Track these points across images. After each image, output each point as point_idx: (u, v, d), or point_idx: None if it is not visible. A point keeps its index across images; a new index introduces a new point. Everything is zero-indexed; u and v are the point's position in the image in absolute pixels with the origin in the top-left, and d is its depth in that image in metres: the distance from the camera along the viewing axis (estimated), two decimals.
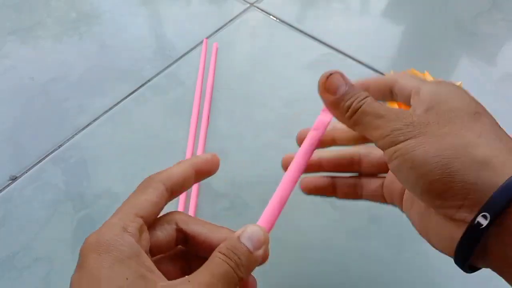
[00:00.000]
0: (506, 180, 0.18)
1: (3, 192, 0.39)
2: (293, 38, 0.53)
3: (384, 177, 0.28)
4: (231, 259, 0.20)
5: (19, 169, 0.40)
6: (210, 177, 0.39)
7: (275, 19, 0.56)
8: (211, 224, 0.24)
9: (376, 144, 0.22)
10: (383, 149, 0.22)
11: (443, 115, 0.21)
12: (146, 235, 0.21)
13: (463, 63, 0.51)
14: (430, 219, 0.22)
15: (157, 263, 0.20)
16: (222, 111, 0.45)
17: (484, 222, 0.18)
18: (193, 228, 0.23)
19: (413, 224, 0.24)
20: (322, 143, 0.27)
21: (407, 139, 0.21)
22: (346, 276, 0.34)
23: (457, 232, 0.20)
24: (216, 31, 0.54)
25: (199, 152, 0.41)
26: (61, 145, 0.42)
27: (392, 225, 0.36)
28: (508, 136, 0.21)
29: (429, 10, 0.58)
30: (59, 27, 0.54)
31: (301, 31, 0.54)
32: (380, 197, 0.27)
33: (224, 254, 0.20)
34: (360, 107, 0.22)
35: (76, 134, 0.43)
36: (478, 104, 0.23)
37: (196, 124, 0.43)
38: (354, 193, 0.28)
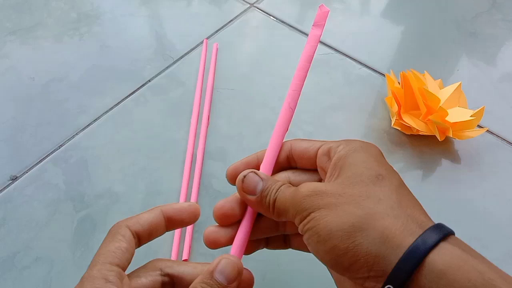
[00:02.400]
0: (406, 250, 0.19)
1: (3, 192, 0.39)
2: (293, 38, 0.53)
3: None
4: None
5: (20, 169, 0.40)
6: (210, 177, 0.40)
7: (275, 19, 0.56)
8: (194, 263, 0.24)
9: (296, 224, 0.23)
10: (298, 226, 0.22)
11: (345, 181, 0.22)
12: (126, 280, 0.21)
13: (463, 63, 0.51)
14: (345, 284, 0.23)
15: None
16: (222, 111, 0.45)
17: None
18: (177, 269, 0.23)
19: (334, 280, 0.25)
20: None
21: (310, 212, 0.21)
22: None
23: None
24: (216, 31, 0.54)
25: (199, 152, 0.41)
26: (61, 145, 0.42)
27: None
28: (409, 196, 0.22)
29: (429, 10, 0.58)
30: (60, 28, 0.54)
31: (301, 32, 0.54)
32: (306, 249, 0.27)
33: None
34: (275, 198, 0.23)
35: (76, 134, 0.43)
36: (381, 165, 0.23)
37: (196, 124, 0.43)
38: (283, 246, 0.28)
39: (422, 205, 0.22)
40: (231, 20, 0.55)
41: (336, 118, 0.44)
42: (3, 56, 0.51)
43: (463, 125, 0.40)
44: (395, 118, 0.43)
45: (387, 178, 0.22)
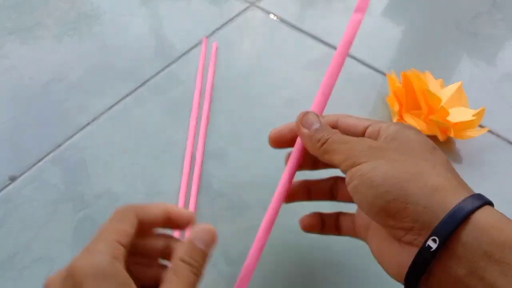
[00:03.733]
0: (454, 207, 0.20)
1: (2, 192, 0.39)
2: (294, 37, 0.53)
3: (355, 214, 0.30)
4: (193, 267, 0.22)
5: (19, 169, 0.40)
6: (210, 177, 0.39)
7: (275, 18, 0.56)
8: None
9: (340, 169, 0.24)
10: (345, 170, 0.24)
11: (404, 144, 0.24)
12: (125, 262, 0.22)
13: (463, 63, 0.51)
14: (383, 244, 0.24)
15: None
16: (222, 111, 0.45)
17: (434, 245, 0.20)
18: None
19: (372, 251, 0.26)
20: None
21: (368, 161, 0.23)
22: (347, 276, 0.34)
23: (404, 256, 0.21)
24: (216, 30, 0.54)
25: (198, 152, 0.41)
26: (60, 145, 0.42)
27: None
28: (456, 172, 0.23)
29: (429, 10, 0.58)
30: (59, 27, 0.54)
31: (301, 31, 0.54)
32: (354, 233, 0.29)
33: (187, 263, 0.22)
34: (328, 138, 0.25)
35: (75, 134, 0.43)
36: (433, 143, 0.24)
37: (196, 124, 0.43)
38: (336, 231, 0.30)
39: None
40: (231, 19, 0.55)
41: None
42: (3, 56, 0.51)
43: (464, 125, 0.40)
44: (396, 118, 0.43)
45: (440, 151, 0.24)
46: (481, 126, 0.43)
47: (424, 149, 0.23)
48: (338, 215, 0.30)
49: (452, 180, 0.22)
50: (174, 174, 0.40)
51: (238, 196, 0.38)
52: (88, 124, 0.44)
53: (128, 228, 0.22)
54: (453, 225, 0.19)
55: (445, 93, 0.42)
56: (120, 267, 0.21)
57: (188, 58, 0.50)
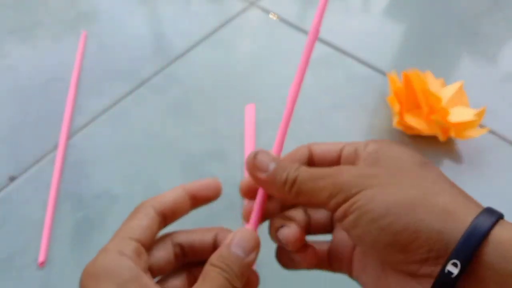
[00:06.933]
0: (470, 225, 0.18)
1: (2, 193, 0.38)
2: (294, 37, 0.53)
3: (328, 242, 0.25)
4: (224, 271, 0.20)
5: (18, 169, 0.40)
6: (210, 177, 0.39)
7: (275, 18, 0.56)
8: (202, 229, 0.23)
9: (326, 208, 0.21)
10: (335, 208, 0.20)
11: (389, 164, 0.21)
12: (144, 256, 0.21)
13: (464, 63, 0.51)
14: (388, 281, 0.21)
15: (162, 282, 0.21)
16: (221, 111, 0.45)
17: (455, 271, 0.17)
18: (186, 238, 0.23)
19: None
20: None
21: (361, 190, 0.19)
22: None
23: None
24: (216, 30, 0.54)
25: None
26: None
27: None
28: (456, 184, 0.21)
29: (431, 10, 0.58)
30: (59, 27, 0.54)
31: (301, 30, 0.54)
32: (327, 265, 0.25)
33: (217, 267, 0.20)
34: (296, 176, 0.21)
35: (75, 134, 0.43)
36: (421, 156, 0.22)
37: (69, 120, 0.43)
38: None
39: None
40: (231, 19, 0.55)
41: (337, 117, 0.44)
42: (3, 56, 0.50)
43: (465, 125, 0.40)
44: (397, 118, 0.42)
45: (431, 165, 0.21)
46: (481, 126, 0.43)
47: (414, 165, 0.21)
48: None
49: (459, 195, 0.19)
50: (173, 174, 0.39)
51: (238, 196, 0.38)
52: (87, 124, 0.44)
53: (141, 222, 0.21)
54: (474, 245, 0.17)
55: (446, 92, 0.42)
56: (126, 262, 0.19)
57: (188, 58, 0.50)
